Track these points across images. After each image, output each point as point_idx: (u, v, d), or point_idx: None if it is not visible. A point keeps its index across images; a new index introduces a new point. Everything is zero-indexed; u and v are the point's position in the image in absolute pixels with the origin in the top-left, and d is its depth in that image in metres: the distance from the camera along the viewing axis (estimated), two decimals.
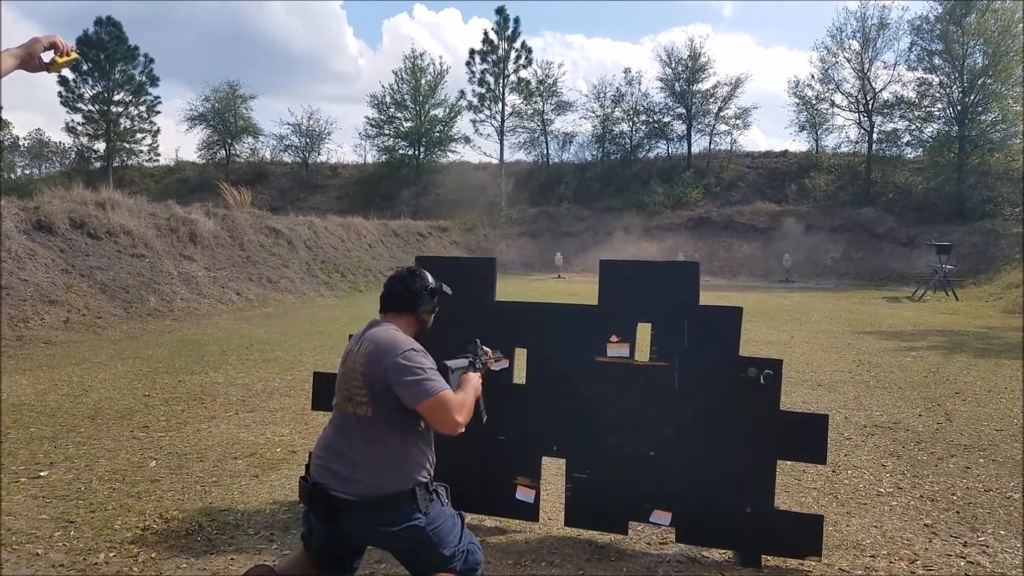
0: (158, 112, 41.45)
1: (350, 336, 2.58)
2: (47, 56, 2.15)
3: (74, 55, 2.23)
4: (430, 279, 2.61)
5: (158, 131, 41.52)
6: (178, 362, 7.70)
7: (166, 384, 6.55)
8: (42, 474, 4.00)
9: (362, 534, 2.27)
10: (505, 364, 3.22)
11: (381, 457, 2.25)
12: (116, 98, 39.96)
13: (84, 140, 40.76)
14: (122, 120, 40.33)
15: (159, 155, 42.60)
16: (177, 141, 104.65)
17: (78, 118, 39.82)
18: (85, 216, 12.60)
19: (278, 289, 15.30)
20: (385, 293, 2.59)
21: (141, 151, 41.62)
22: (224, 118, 41.35)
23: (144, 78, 40.37)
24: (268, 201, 35.54)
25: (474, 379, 2.58)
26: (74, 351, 8.30)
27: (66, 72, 37.92)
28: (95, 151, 41.20)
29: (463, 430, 2.29)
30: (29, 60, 2.10)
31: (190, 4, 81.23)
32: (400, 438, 2.28)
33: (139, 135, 41.05)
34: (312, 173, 41.05)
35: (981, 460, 4.55)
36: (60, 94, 39.20)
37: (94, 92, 39.56)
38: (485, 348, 2.82)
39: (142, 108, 40.75)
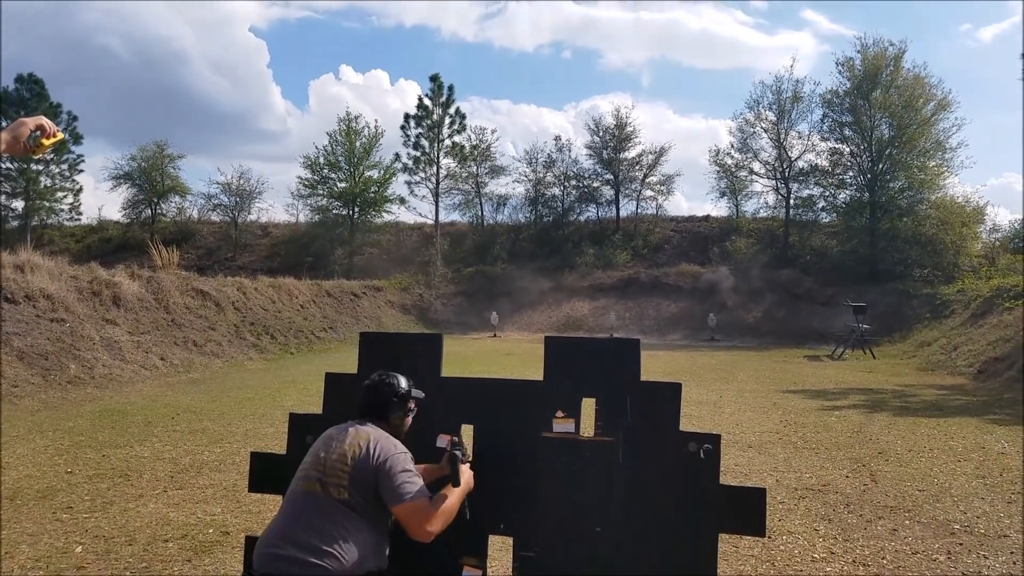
0: (81, 171, 40.22)
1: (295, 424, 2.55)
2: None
3: (60, 136, 2.17)
4: (402, 385, 2.67)
5: (80, 190, 40.17)
6: (101, 435, 7.34)
7: (89, 459, 6.22)
8: None
9: None
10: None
11: (345, 539, 2.25)
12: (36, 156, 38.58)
13: (0, 199, 39.05)
14: (42, 178, 38.87)
15: (81, 214, 41.11)
16: (100, 200, 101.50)
17: None
18: (1, 279, 12.03)
19: (204, 353, 14.83)
20: (360, 402, 2.65)
21: (62, 210, 40.12)
22: (150, 177, 40.42)
23: (66, 136, 39.24)
24: (195, 261, 34.73)
25: (468, 477, 2.67)
26: None
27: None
28: (12, 209, 39.42)
29: (433, 538, 2.35)
30: (14, 144, 2.00)
31: (114, 62, 79.79)
32: (367, 526, 2.31)
33: (60, 193, 39.62)
34: (241, 232, 40.30)
35: (907, 522, 4.74)
36: None
37: None
38: (458, 442, 2.84)
39: (64, 166, 39.46)
